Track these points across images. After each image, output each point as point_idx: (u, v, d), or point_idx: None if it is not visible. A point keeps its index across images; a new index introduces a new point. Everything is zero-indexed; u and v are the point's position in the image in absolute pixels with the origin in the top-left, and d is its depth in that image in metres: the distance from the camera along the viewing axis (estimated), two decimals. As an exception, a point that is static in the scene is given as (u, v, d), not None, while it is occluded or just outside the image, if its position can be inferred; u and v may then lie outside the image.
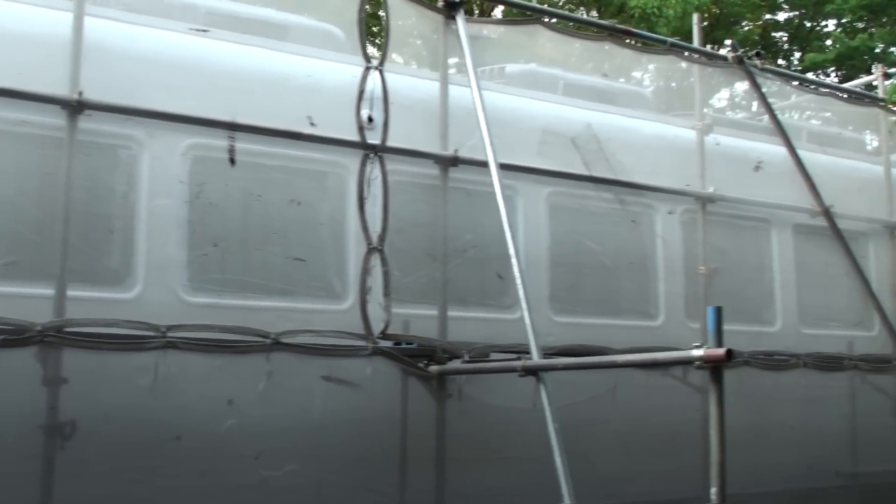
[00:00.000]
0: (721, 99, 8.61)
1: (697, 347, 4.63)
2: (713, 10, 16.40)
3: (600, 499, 7.12)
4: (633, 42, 7.95)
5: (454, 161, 6.59)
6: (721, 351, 4.50)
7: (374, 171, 6.26)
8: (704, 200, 7.87)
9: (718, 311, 4.68)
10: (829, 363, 8.34)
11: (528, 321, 5.90)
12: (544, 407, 5.62)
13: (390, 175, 6.48)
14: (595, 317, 7.63)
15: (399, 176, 6.60)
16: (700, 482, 7.79)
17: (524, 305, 5.94)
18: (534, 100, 7.35)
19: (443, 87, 6.71)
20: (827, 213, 8.48)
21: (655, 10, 13.53)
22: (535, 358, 5.77)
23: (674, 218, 7.93)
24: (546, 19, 7.19)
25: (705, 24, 16.79)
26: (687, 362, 4.70)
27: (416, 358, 6.40)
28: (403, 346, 6.48)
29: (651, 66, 8.08)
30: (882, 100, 9.15)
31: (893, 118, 9.34)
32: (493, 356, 6.71)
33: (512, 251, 6.07)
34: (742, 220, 8.42)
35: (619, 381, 7.13)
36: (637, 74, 8.32)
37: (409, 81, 6.79)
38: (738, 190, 8.11)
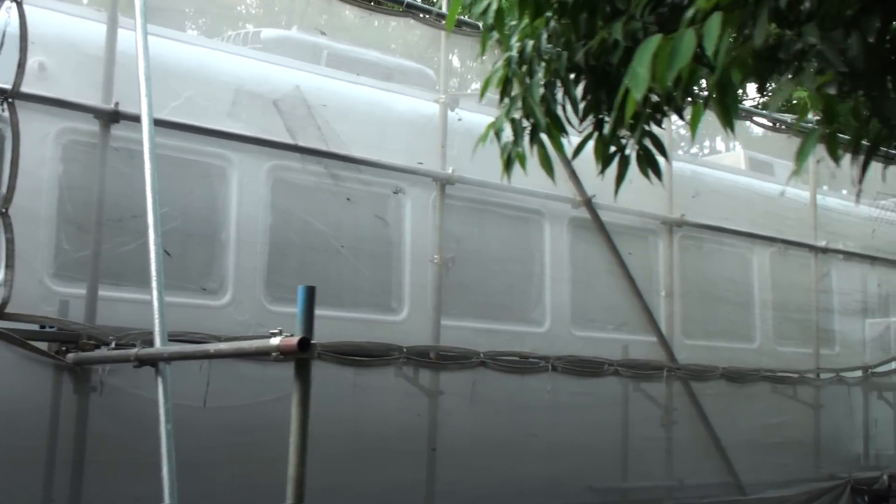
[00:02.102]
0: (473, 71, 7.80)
1: (275, 335, 3.79)
2: None
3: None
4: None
5: (115, 116, 5.67)
6: (293, 340, 3.66)
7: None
8: (443, 182, 7.07)
9: (309, 292, 3.86)
10: (584, 368, 7.60)
11: (155, 304, 5.01)
12: (160, 403, 4.72)
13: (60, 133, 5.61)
14: (322, 308, 6.76)
15: (73, 135, 5.72)
16: (423, 498, 7.03)
17: (154, 284, 5.05)
18: (228, 54, 6.46)
19: (110, 31, 5.77)
20: (589, 203, 7.76)
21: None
22: (158, 345, 4.87)
23: (415, 200, 7.12)
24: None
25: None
26: (265, 353, 3.84)
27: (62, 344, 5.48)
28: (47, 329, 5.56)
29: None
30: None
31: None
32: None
33: (151, 221, 5.16)
34: (505, 209, 7.66)
35: (322, 377, 6.27)
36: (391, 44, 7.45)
37: (70, 21, 5.85)
38: (488, 174, 7.33)
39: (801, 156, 2.94)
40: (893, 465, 10.40)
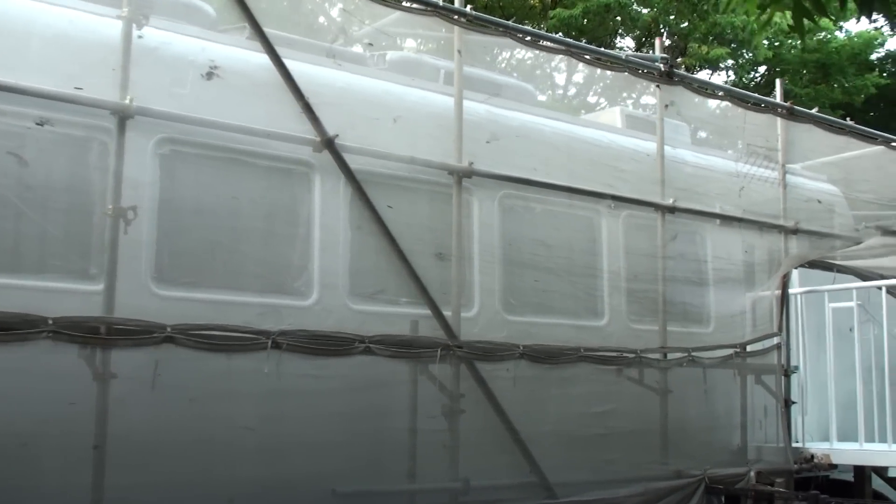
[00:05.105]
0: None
1: None
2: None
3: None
4: None
5: None
6: None
7: None
8: (121, 114, 5.68)
9: None
10: (321, 346, 6.22)
11: None
12: None
13: None
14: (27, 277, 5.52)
15: None
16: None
17: None
18: None
19: None
20: (331, 145, 6.37)
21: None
22: None
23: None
24: None
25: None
26: None
27: None
28: None
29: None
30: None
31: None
32: None
33: None
34: (259, 159, 6.32)
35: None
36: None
37: None
38: (197, 109, 5.98)
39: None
40: (775, 459, 8.99)
